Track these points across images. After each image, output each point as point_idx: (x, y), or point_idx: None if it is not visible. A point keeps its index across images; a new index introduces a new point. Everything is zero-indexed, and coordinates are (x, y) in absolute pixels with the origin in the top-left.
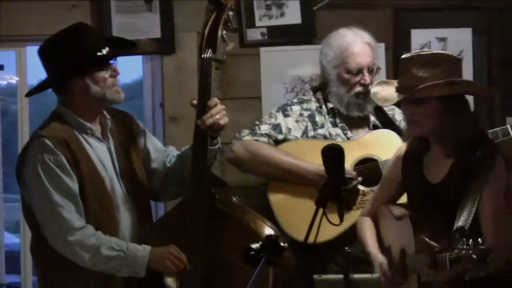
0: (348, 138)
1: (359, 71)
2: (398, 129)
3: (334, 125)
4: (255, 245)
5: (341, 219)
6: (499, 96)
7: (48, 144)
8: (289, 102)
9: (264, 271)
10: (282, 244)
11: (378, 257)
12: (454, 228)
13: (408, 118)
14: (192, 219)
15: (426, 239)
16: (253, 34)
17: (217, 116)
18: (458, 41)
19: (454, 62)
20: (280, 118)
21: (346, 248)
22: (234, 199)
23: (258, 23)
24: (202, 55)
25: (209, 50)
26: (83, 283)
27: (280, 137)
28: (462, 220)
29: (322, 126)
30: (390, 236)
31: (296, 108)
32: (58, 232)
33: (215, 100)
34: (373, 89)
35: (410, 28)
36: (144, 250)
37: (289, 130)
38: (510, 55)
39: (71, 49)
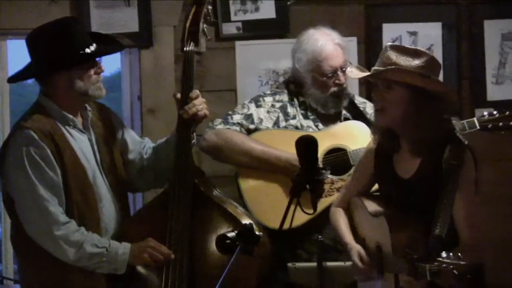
0: (319, 130)
1: (333, 73)
2: (368, 122)
3: (306, 117)
4: (230, 234)
5: (315, 208)
6: (468, 89)
7: (33, 136)
8: (262, 94)
9: (248, 261)
10: (257, 233)
11: (356, 247)
12: (431, 236)
13: (376, 105)
14: (176, 208)
15: (407, 250)
16: (229, 28)
17: (199, 107)
18: (428, 35)
19: (435, 63)
20: (252, 109)
21: (320, 236)
22: (215, 189)
23: (233, 18)
24: (185, 48)
25: (191, 43)
26: (63, 271)
27: (252, 127)
28: (439, 227)
29: (294, 118)
30: (364, 229)
31: (269, 99)
32: (44, 226)
33: (197, 92)
34: (349, 68)
35: (382, 22)
36: (124, 247)
37: (261, 120)
38: (479, 48)
39: (61, 45)
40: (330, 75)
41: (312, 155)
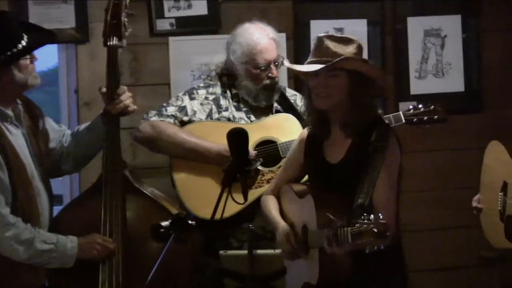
0: (251, 122)
1: (267, 66)
2: (298, 114)
3: (238, 109)
4: (164, 223)
5: (245, 198)
6: (392, 83)
7: None
8: (196, 86)
9: (182, 249)
10: (190, 222)
11: (283, 225)
12: (355, 205)
13: (319, 90)
14: (109, 200)
15: (329, 215)
16: (162, 25)
17: (127, 103)
18: (354, 31)
19: (361, 46)
20: (186, 101)
21: (250, 225)
22: (141, 180)
23: (167, 14)
24: (108, 43)
25: (115, 38)
26: (9, 268)
27: (186, 118)
28: (362, 198)
29: (226, 110)
30: (292, 213)
31: (202, 92)
32: None
33: (124, 88)
34: (287, 64)
35: (310, 19)
36: (72, 241)
37: (194, 112)
38: (402, 44)
39: (1, 41)
40: (263, 68)
41: (243, 147)
